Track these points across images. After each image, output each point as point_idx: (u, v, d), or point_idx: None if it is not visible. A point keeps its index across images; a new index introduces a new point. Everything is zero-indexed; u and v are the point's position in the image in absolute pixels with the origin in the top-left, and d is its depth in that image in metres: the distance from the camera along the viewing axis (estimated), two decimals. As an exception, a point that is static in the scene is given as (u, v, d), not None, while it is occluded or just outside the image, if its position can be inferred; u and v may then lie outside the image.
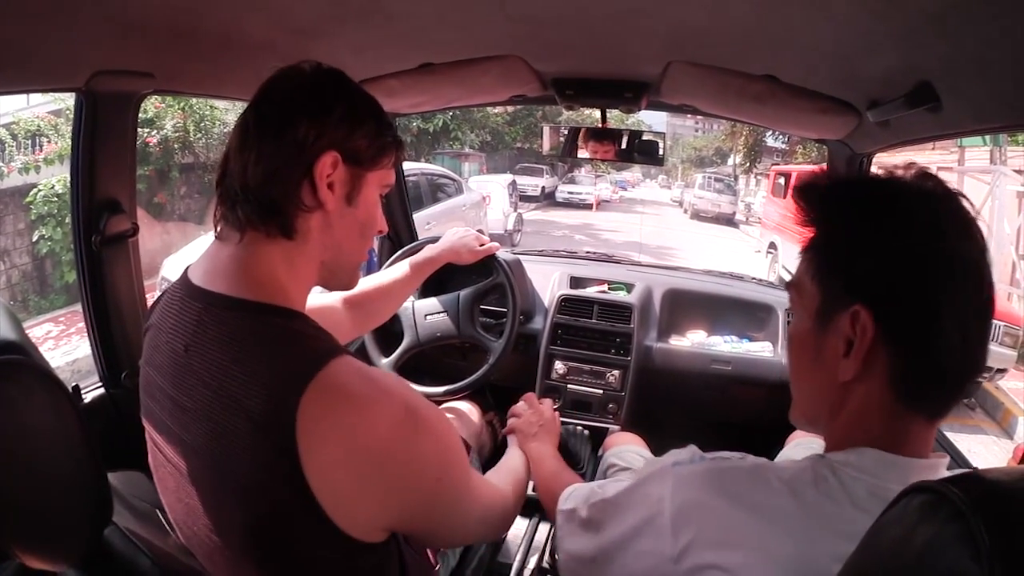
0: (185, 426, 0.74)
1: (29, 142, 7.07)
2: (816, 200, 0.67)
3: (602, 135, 1.75)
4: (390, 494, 0.71)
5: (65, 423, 0.71)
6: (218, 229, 0.79)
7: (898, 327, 0.61)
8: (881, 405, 0.63)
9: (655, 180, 40.97)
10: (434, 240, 1.62)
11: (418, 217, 6.01)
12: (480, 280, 1.74)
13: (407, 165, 7.33)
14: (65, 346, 5.60)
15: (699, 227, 17.76)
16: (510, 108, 16.46)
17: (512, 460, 1.18)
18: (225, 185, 0.77)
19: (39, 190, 6.64)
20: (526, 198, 17.11)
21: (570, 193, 19.93)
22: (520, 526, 1.58)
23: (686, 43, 1.10)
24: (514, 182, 13.23)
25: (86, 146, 1.13)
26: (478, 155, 18.31)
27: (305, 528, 0.68)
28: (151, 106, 7.74)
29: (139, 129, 7.57)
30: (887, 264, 0.61)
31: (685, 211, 21.93)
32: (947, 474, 0.58)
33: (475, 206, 8.60)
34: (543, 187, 19.28)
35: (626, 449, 1.51)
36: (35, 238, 6.76)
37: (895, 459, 0.62)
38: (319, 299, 1.23)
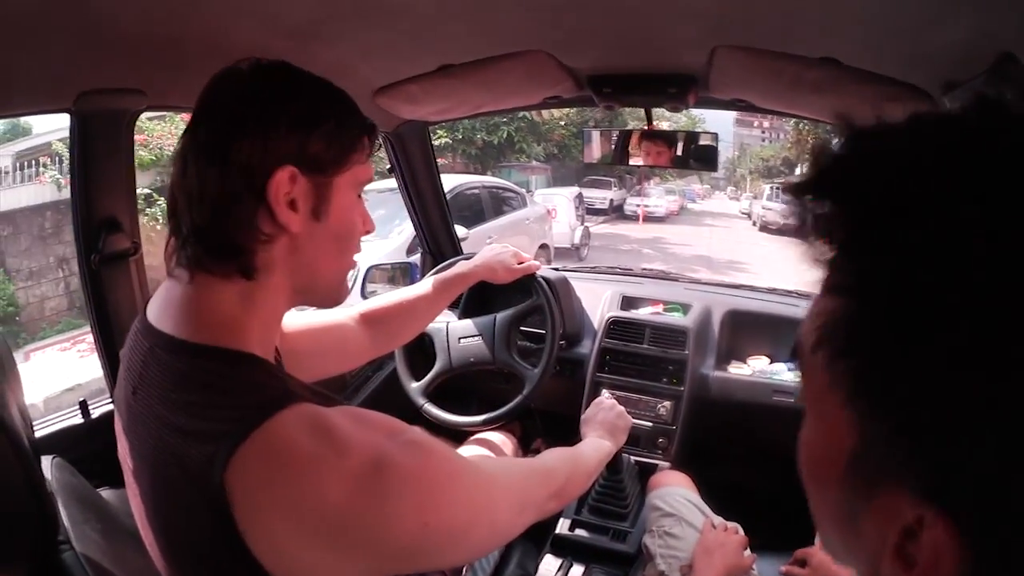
0: (136, 473, 0.68)
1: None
2: (854, 182, 0.33)
3: (654, 138, 1.59)
4: (358, 559, 0.61)
5: (11, 460, 0.73)
6: (171, 264, 0.70)
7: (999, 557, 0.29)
8: None
9: (724, 192, 39.87)
10: (470, 257, 1.50)
11: (479, 230, 6.13)
12: (521, 300, 1.61)
13: (467, 178, 7.28)
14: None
15: (768, 240, 17.02)
16: (576, 119, 16.38)
17: (584, 445, 1.13)
18: (176, 220, 0.69)
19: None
20: (594, 211, 16.85)
21: (638, 206, 19.56)
22: (551, 566, 1.43)
23: (731, 23, 0.95)
24: (580, 195, 13.00)
25: (80, 166, 1.10)
26: (544, 167, 18.24)
27: None
28: (180, 119, 8.07)
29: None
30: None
31: (754, 223, 21.03)
32: None
33: (539, 219, 8.41)
34: (611, 200, 19.00)
35: (673, 492, 1.35)
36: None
37: None
38: (331, 315, 1.14)
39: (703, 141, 1.57)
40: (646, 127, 1.54)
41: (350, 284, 4.52)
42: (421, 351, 1.70)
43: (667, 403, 1.67)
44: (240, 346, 0.66)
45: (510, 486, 0.78)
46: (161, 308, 0.71)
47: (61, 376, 4.96)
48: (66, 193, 7.03)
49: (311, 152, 0.68)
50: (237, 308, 0.68)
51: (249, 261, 0.67)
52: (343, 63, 1.14)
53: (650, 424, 1.66)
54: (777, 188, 20.26)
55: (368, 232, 0.79)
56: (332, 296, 0.81)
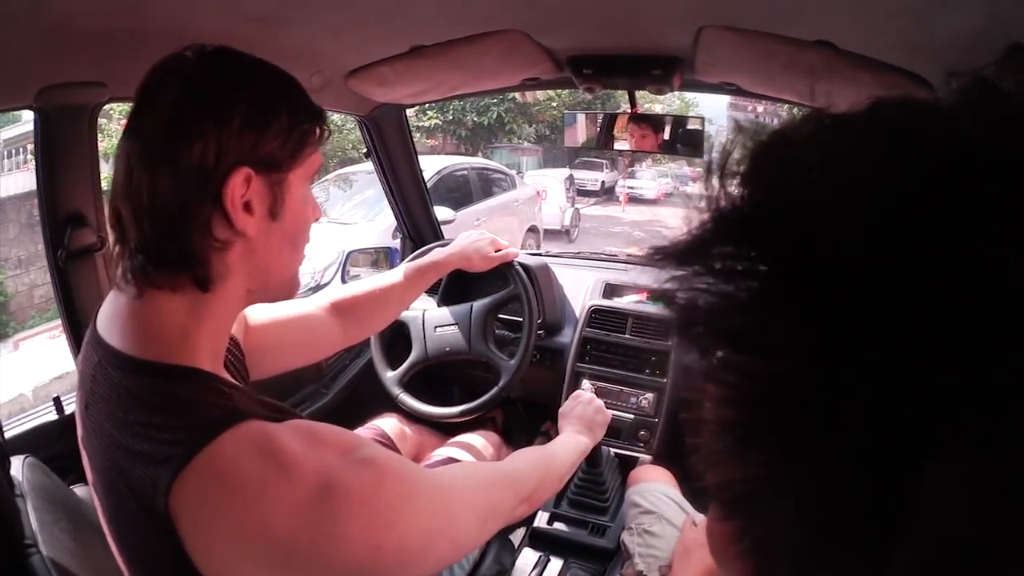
0: (94, 484, 0.68)
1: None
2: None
3: (640, 122, 1.53)
4: None
5: None
6: (117, 275, 0.66)
7: None
8: None
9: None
10: (446, 244, 1.46)
11: (466, 212, 6.04)
12: (499, 289, 1.57)
13: (455, 159, 7.17)
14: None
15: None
16: (568, 100, 16.24)
17: (557, 443, 1.10)
18: (120, 230, 0.64)
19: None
20: (585, 192, 16.72)
21: (630, 188, 19.42)
22: (529, 561, 1.41)
23: (719, 2, 0.89)
24: (571, 176, 12.89)
25: (44, 161, 1.08)
26: (535, 149, 18.09)
27: None
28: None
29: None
30: None
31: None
32: None
33: (529, 201, 8.29)
34: (603, 181, 18.86)
35: (653, 488, 1.32)
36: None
37: None
38: (299, 306, 1.11)
39: (690, 125, 1.51)
40: (630, 110, 1.48)
41: (334, 270, 4.45)
42: (398, 340, 1.67)
43: (649, 395, 1.63)
44: (187, 361, 0.64)
45: (473, 498, 0.75)
46: (109, 318, 0.68)
47: (50, 364, 4.93)
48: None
49: (265, 151, 0.64)
50: (187, 321, 0.65)
51: (204, 272, 0.64)
52: (312, 46, 1.10)
53: (631, 416, 1.62)
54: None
55: (317, 220, 0.76)
56: (287, 291, 0.77)
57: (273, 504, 0.55)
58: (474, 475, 0.82)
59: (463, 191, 6.49)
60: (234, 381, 0.70)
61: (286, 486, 0.55)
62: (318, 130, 0.71)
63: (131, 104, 0.66)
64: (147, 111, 0.63)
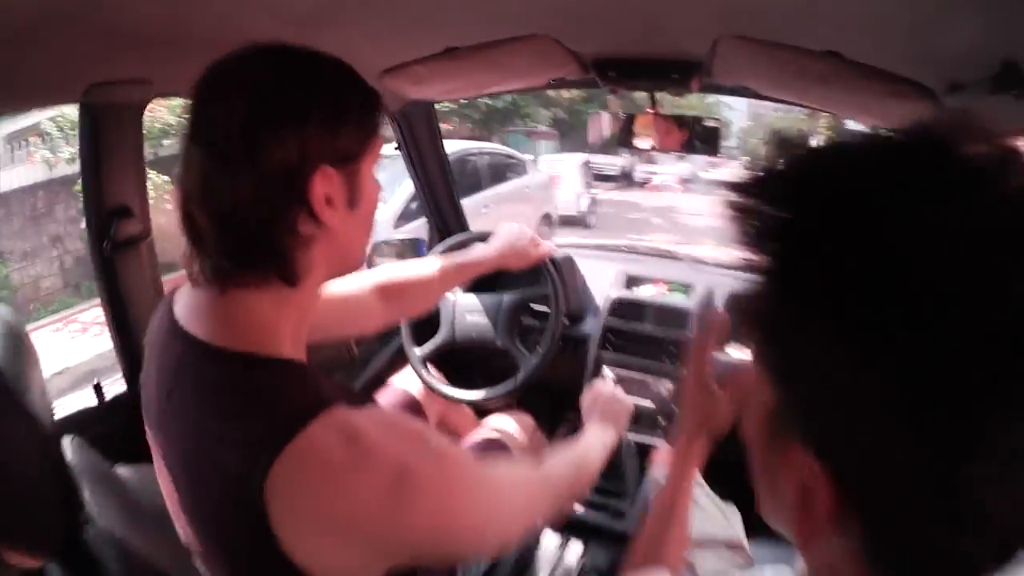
0: (170, 467, 0.71)
1: (75, 133, 7.28)
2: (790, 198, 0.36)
3: (660, 120, 1.58)
4: (379, 556, 0.64)
5: (33, 442, 0.81)
6: (193, 271, 0.67)
7: (875, 505, 0.34)
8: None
9: (738, 161, 39.33)
10: (483, 236, 1.51)
11: (474, 199, 5.87)
12: (530, 283, 1.65)
13: (463, 144, 6.74)
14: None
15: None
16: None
17: (589, 441, 1.09)
18: (195, 235, 0.65)
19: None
20: (603, 177, 16.43)
21: (649, 173, 19.24)
22: (552, 542, 1.48)
23: (734, 14, 0.94)
24: (587, 162, 12.59)
25: (91, 155, 1.12)
26: (552, 133, 17.86)
27: None
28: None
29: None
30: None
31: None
32: None
33: (542, 187, 8.07)
34: (622, 166, 18.66)
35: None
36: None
37: None
38: (344, 285, 1.12)
39: (707, 123, 1.57)
40: (650, 110, 1.54)
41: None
42: (426, 319, 1.74)
43: (669, 383, 1.69)
44: (272, 351, 0.66)
45: (521, 503, 0.79)
46: (190, 310, 0.69)
47: (52, 358, 4.94)
48: (57, 172, 6.92)
49: (342, 147, 0.66)
50: (273, 314, 0.67)
51: (291, 267, 0.66)
52: (350, 47, 1.12)
53: (652, 404, 1.69)
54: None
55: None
56: (356, 268, 0.79)
57: (357, 488, 0.59)
58: (524, 480, 0.85)
59: (472, 178, 6.27)
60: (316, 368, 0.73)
61: (368, 472, 0.59)
62: (382, 119, 0.72)
63: (188, 106, 0.65)
64: (216, 116, 0.63)
